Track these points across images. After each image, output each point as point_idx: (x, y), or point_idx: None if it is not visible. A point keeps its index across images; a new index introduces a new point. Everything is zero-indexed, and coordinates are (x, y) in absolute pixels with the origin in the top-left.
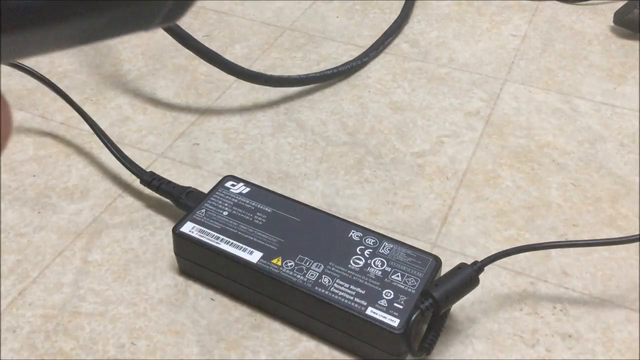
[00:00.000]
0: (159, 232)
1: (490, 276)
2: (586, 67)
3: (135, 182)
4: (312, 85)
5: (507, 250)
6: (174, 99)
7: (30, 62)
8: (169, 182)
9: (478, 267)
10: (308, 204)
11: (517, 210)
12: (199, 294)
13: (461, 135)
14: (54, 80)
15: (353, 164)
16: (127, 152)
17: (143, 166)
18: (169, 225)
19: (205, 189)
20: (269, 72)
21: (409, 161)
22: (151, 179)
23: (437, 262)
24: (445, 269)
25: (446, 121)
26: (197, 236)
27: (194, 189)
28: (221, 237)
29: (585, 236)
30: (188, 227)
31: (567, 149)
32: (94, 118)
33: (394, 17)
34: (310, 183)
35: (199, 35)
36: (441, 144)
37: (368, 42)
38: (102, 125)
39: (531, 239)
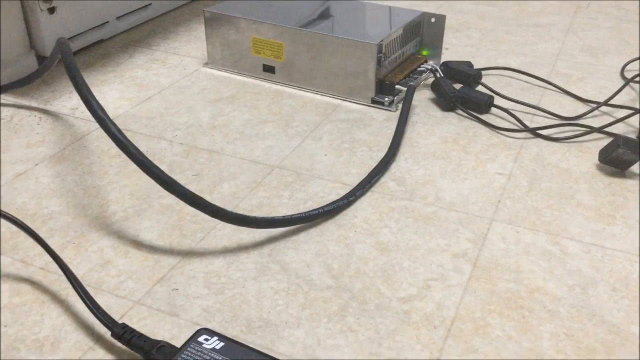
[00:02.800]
0: None
1: None
2: (574, 206)
3: (108, 333)
4: (298, 225)
5: None
6: (157, 241)
7: (16, 202)
8: (141, 335)
9: None
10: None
11: None
12: None
13: (449, 279)
14: (38, 222)
15: (337, 310)
16: (104, 298)
17: (118, 314)
18: None
19: (181, 339)
20: (255, 211)
21: (394, 307)
22: (122, 332)
23: None
24: None
25: (433, 263)
26: None
27: (165, 342)
28: None
29: None
30: None
31: (558, 294)
32: (74, 263)
33: (381, 154)
34: (291, 332)
35: (188, 175)
36: (428, 288)
37: (355, 180)
38: (82, 270)
39: None
